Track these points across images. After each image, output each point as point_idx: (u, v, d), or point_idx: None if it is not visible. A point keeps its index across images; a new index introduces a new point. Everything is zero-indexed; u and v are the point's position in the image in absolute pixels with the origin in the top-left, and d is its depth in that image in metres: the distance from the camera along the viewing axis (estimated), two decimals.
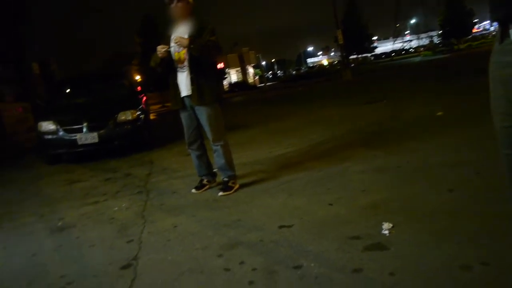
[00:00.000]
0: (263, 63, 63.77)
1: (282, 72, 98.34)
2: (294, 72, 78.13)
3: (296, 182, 3.64)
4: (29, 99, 11.47)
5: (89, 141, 6.59)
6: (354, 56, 58.55)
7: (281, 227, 2.61)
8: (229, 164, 3.72)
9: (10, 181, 6.16)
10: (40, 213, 3.92)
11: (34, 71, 12.42)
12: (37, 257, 2.74)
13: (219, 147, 3.66)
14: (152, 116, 14.53)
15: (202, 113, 3.60)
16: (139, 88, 9.06)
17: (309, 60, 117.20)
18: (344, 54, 29.21)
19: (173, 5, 3.52)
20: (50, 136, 6.73)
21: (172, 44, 3.60)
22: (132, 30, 34.79)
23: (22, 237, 3.24)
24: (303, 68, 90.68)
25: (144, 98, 8.20)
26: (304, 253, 2.19)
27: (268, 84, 40.65)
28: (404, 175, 3.35)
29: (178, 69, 3.62)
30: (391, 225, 2.33)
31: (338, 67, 41.78)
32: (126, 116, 6.87)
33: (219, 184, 3.83)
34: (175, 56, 3.61)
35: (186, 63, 3.56)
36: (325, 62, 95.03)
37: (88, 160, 6.98)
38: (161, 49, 3.55)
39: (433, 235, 2.14)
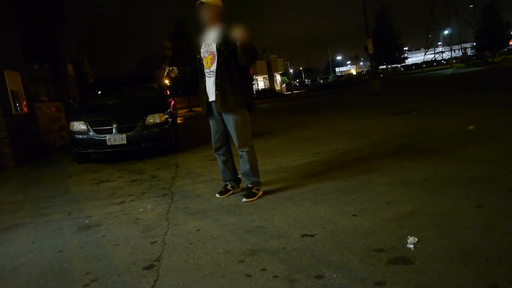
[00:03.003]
0: (291, 70, 63.75)
1: (309, 80, 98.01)
2: (321, 81, 77.75)
3: (320, 191, 3.62)
4: (63, 99, 11.84)
5: (117, 142, 6.75)
6: (384, 66, 57.81)
7: (303, 235, 2.60)
8: (254, 171, 3.71)
9: (41, 178, 6.36)
10: (68, 210, 4.03)
11: (68, 72, 12.79)
12: (64, 253, 2.81)
13: (244, 153, 3.66)
14: (179, 120, 14.74)
15: (229, 118, 3.59)
16: (168, 91, 9.21)
17: (337, 69, 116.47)
18: (373, 64, 28.89)
19: (202, 10, 3.53)
20: (81, 136, 6.93)
21: (202, 50, 3.64)
22: (163, 34, 35.35)
23: (50, 233, 3.33)
24: (331, 77, 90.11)
25: (172, 102, 8.33)
26: (326, 263, 2.17)
27: (295, 92, 40.57)
28: (431, 188, 3.27)
29: (206, 74, 3.64)
30: (416, 239, 2.28)
31: (367, 77, 41.33)
32: (154, 119, 7.00)
33: (243, 190, 3.85)
34: (204, 61, 3.63)
35: (213, 68, 3.55)
36: (353, 71, 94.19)
37: (116, 161, 7.14)
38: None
39: (460, 252, 2.09)
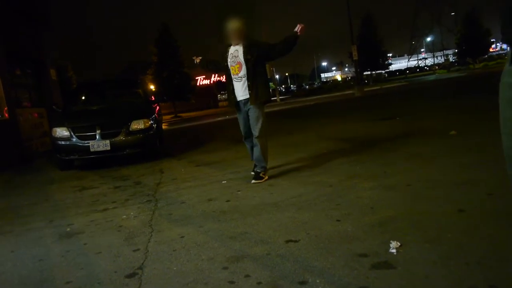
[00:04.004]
0: (277, 76, 64.01)
1: (295, 86, 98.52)
2: (307, 87, 78.21)
3: (304, 196, 3.63)
4: (45, 105, 11.67)
5: (101, 148, 6.68)
6: (368, 72, 58.45)
7: (287, 241, 2.60)
8: (264, 157, 4.51)
9: (22, 185, 6.25)
10: (50, 218, 3.96)
11: (51, 77, 12.61)
12: (45, 262, 2.76)
13: (259, 141, 4.46)
14: (164, 126, 14.66)
15: (253, 113, 4.45)
16: (152, 97, 9.16)
17: (323, 75, 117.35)
18: (358, 70, 29.20)
19: (232, 30, 4.44)
20: (63, 142, 6.83)
21: (229, 60, 4.54)
22: (147, 40, 35.21)
23: (30, 242, 3.27)
24: (316, 83, 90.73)
25: (157, 108, 8.29)
26: (310, 268, 2.17)
27: (280, 97, 40.72)
28: (414, 193, 3.31)
29: (234, 79, 4.53)
30: (399, 243, 2.30)
31: (351, 83, 41.72)
32: (139, 125, 6.95)
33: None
34: (231, 69, 4.53)
35: (241, 74, 4.47)
36: (338, 77, 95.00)
37: (99, 167, 7.06)
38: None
39: (442, 256, 2.11)
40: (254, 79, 4.43)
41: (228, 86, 4.65)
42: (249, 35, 4.61)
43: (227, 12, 4.67)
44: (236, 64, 4.48)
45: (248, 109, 4.50)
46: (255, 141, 4.48)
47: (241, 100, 4.54)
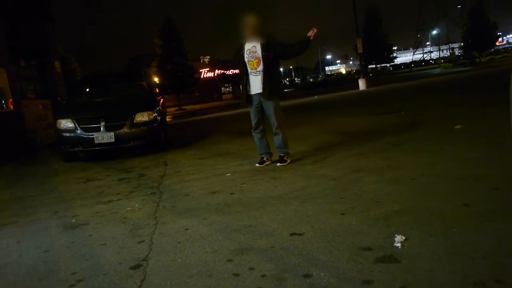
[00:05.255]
0: (281, 69, 63.84)
1: (299, 79, 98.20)
2: (311, 80, 77.93)
3: (308, 190, 3.62)
4: (50, 96, 11.68)
5: (105, 140, 6.69)
6: (373, 66, 58.12)
7: (292, 234, 2.60)
8: (285, 143, 4.91)
9: (27, 176, 6.28)
10: (54, 209, 3.98)
11: (56, 69, 12.61)
12: (50, 253, 2.78)
13: (279, 130, 4.83)
14: (168, 119, 14.66)
15: (269, 105, 4.79)
16: (157, 90, 9.15)
17: (327, 68, 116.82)
18: (363, 63, 29.02)
19: (247, 25, 4.71)
20: (68, 134, 6.85)
21: (246, 55, 4.79)
22: (152, 32, 35.13)
23: (36, 233, 3.29)
24: (320, 76, 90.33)
25: (162, 100, 8.28)
26: (314, 261, 2.17)
27: (285, 91, 40.59)
28: (418, 187, 3.30)
29: (252, 73, 4.79)
30: (403, 237, 2.30)
31: (356, 76, 41.52)
32: (143, 117, 6.95)
33: (273, 162, 4.97)
34: (249, 64, 4.79)
35: (259, 69, 4.73)
36: (343, 70, 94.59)
37: (103, 159, 7.08)
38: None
39: (447, 250, 2.11)
40: (271, 75, 4.73)
41: (241, 81, 4.89)
42: (265, 31, 4.89)
43: (226, 10, 5.06)
44: (255, 59, 4.76)
45: (263, 103, 4.80)
46: (276, 131, 4.85)
47: (255, 94, 4.81)
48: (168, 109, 24.78)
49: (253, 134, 5.04)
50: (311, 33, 4.59)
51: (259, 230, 2.76)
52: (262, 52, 4.72)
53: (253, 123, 4.96)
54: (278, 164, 4.84)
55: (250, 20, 4.74)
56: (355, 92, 21.36)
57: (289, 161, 4.89)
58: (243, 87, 4.89)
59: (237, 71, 5.05)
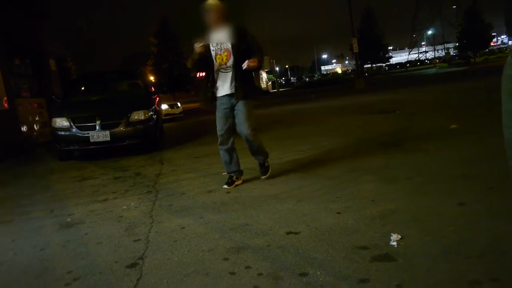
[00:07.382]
0: (277, 69, 63.86)
1: (295, 78, 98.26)
2: (307, 79, 78.00)
3: (305, 188, 3.63)
4: (45, 95, 11.62)
5: (101, 139, 6.67)
6: (368, 65, 58.28)
7: (288, 233, 2.60)
8: (262, 149, 4.07)
9: (22, 175, 6.24)
10: (50, 208, 3.96)
11: (51, 68, 12.55)
12: (45, 252, 2.76)
13: (252, 136, 3.88)
14: (164, 117, 14.62)
15: (242, 106, 3.85)
16: (152, 88, 9.12)
17: (323, 68, 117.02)
18: (358, 62, 29.11)
19: (209, 12, 3.79)
20: (63, 133, 6.82)
21: (212, 47, 3.87)
22: (147, 31, 35.04)
23: (31, 231, 3.27)
24: (316, 76, 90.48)
25: (157, 99, 8.26)
26: (311, 260, 2.17)
27: (280, 90, 40.61)
28: (414, 186, 3.31)
29: (221, 70, 3.89)
30: (399, 236, 2.30)
31: (352, 76, 41.61)
32: (138, 116, 6.93)
33: (244, 182, 4.13)
34: (216, 59, 3.87)
35: (229, 63, 3.83)
36: (339, 70, 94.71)
37: (99, 158, 7.05)
38: (197, 45, 3.80)
39: (443, 249, 2.11)
40: (244, 71, 3.78)
41: (204, 81, 3.99)
42: (235, 19, 3.94)
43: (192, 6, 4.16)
44: (224, 52, 3.83)
45: (236, 105, 3.88)
46: (249, 137, 3.89)
47: (223, 96, 3.90)
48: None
49: (220, 148, 4.04)
50: (245, 64, 3.70)
51: (255, 228, 2.76)
52: (232, 42, 3.81)
53: (221, 133, 3.95)
54: (263, 177, 4.13)
55: (212, 3, 3.80)
56: (351, 91, 21.39)
57: (267, 164, 4.20)
58: (206, 89, 3.95)
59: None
